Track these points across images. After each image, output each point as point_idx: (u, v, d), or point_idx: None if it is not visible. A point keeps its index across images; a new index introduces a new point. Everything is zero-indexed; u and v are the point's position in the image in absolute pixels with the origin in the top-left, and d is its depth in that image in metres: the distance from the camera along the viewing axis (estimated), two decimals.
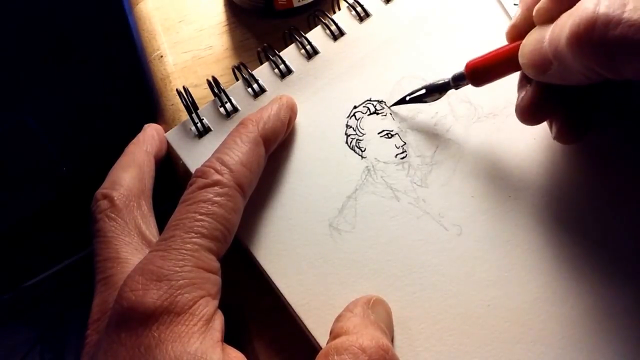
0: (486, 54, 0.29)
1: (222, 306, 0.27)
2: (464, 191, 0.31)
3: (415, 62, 0.35)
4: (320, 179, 0.33)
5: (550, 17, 0.24)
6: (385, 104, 0.34)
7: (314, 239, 0.31)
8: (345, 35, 0.37)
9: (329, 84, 0.36)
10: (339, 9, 0.39)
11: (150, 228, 0.31)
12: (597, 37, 0.21)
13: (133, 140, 0.35)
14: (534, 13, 0.25)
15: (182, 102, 0.35)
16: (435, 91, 0.32)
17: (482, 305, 0.28)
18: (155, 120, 0.38)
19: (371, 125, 0.34)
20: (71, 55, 0.88)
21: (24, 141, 0.95)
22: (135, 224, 0.31)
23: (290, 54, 0.37)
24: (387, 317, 0.28)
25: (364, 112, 0.34)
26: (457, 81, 0.31)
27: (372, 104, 0.34)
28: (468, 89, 0.33)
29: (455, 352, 0.28)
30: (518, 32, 0.28)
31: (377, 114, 0.34)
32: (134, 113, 0.52)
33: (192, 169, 0.33)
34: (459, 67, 0.31)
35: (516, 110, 0.29)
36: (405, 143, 0.33)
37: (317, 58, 0.36)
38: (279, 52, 0.36)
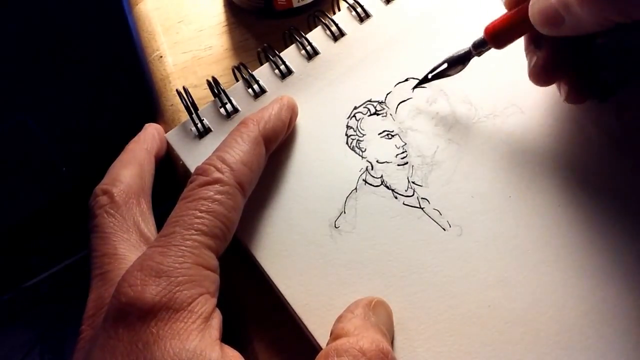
0: (502, 16, 0.29)
1: (221, 306, 0.27)
2: (465, 191, 0.31)
3: (415, 63, 0.35)
4: (320, 180, 0.33)
5: None
6: (386, 105, 0.34)
7: (314, 239, 0.31)
8: (345, 36, 0.37)
9: (330, 84, 0.36)
10: (339, 10, 0.39)
11: (149, 226, 0.31)
12: None
13: (133, 139, 0.35)
14: None
15: (182, 102, 0.35)
16: (457, 63, 0.32)
17: (483, 305, 0.28)
18: (155, 121, 0.38)
19: (371, 125, 0.34)
20: (71, 55, 0.88)
21: (24, 141, 0.95)
22: (134, 221, 0.31)
23: (291, 55, 0.37)
24: (388, 319, 0.28)
25: (365, 112, 0.34)
26: (479, 47, 0.31)
27: (373, 105, 0.34)
28: (469, 88, 0.33)
29: (456, 352, 0.28)
30: None
31: (378, 114, 0.34)
32: (134, 113, 0.52)
33: (192, 170, 0.33)
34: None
35: (529, 74, 0.30)
36: (405, 143, 0.33)
37: (317, 59, 0.36)
38: (279, 52, 0.36)
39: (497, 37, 0.30)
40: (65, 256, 1.10)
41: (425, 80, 0.33)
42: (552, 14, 0.25)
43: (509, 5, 0.29)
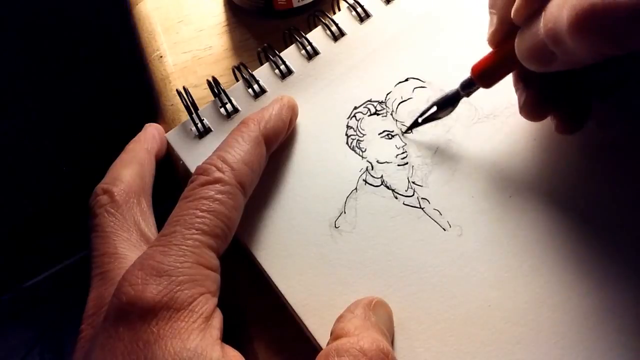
0: (488, 55, 0.29)
1: (222, 306, 0.27)
2: (465, 191, 0.31)
3: (416, 63, 0.35)
4: (320, 180, 0.33)
5: (528, 15, 0.24)
6: (386, 105, 0.34)
7: (315, 239, 0.31)
8: (345, 36, 0.37)
9: (330, 84, 0.36)
10: (339, 10, 0.39)
11: (149, 226, 0.31)
12: (600, 20, 0.20)
13: (134, 139, 0.35)
14: (512, 14, 0.25)
15: (183, 102, 0.35)
16: (447, 105, 0.32)
17: (483, 305, 0.28)
18: (155, 121, 0.38)
19: (372, 125, 0.34)
20: (71, 55, 0.88)
21: (24, 141, 0.95)
22: (134, 221, 0.31)
23: (291, 55, 0.37)
24: (388, 319, 0.28)
25: (365, 112, 0.34)
26: (467, 88, 0.30)
27: (373, 105, 0.34)
28: None
29: (456, 352, 0.28)
30: (501, 35, 0.28)
31: (378, 114, 0.34)
32: (134, 113, 0.52)
33: (193, 170, 0.33)
34: (460, 67, 0.31)
35: (520, 112, 0.29)
36: (405, 144, 0.33)
37: (317, 59, 0.36)
38: (279, 52, 0.36)
39: (484, 76, 0.29)
40: (65, 256, 1.10)
41: (415, 124, 0.33)
42: (541, 50, 0.24)
43: (494, 44, 0.29)
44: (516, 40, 0.26)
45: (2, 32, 0.80)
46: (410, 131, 0.33)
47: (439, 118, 0.32)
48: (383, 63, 0.36)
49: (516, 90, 0.30)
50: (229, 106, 0.35)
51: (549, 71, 0.25)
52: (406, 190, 0.32)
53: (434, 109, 0.32)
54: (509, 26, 0.26)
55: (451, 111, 0.32)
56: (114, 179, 0.32)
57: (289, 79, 0.36)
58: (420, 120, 0.33)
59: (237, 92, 0.36)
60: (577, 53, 0.22)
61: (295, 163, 0.33)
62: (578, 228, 0.29)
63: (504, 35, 0.27)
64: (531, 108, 0.29)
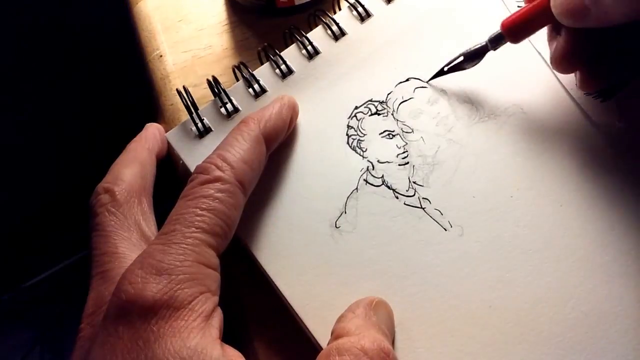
0: (519, 10, 0.30)
1: (222, 306, 0.27)
2: (466, 191, 0.31)
3: (416, 63, 0.35)
4: (321, 179, 0.33)
5: None
6: (387, 104, 0.34)
7: (315, 239, 0.31)
8: (346, 36, 0.37)
9: (330, 84, 0.35)
10: (340, 9, 0.39)
11: (149, 225, 0.31)
12: None
13: (135, 138, 0.35)
14: None
15: (183, 102, 0.35)
16: (473, 57, 0.33)
17: (484, 306, 0.28)
18: (155, 120, 0.38)
19: (372, 125, 0.34)
20: (70, 54, 0.88)
21: (24, 141, 0.95)
22: (135, 220, 0.31)
23: (291, 54, 0.37)
24: (388, 319, 0.28)
25: (365, 112, 0.34)
26: (495, 42, 0.31)
27: (374, 105, 0.34)
28: (470, 88, 0.33)
29: (457, 353, 0.27)
30: None
31: (379, 114, 0.34)
32: (134, 113, 0.52)
33: (193, 169, 0.33)
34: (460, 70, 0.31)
35: (551, 61, 0.30)
36: (406, 143, 0.33)
37: (318, 58, 0.36)
38: (280, 52, 0.36)
39: (513, 31, 0.30)
40: (65, 256, 1.10)
41: (441, 73, 0.34)
42: (577, 5, 0.25)
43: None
44: None
45: (2, 32, 0.80)
46: (437, 77, 0.34)
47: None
48: (384, 63, 0.36)
49: (549, 43, 0.30)
50: (229, 106, 0.35)
51: (581, 26, 0.26)
52: (407, 190, 0.32)
53: (461, 58, 0.33)
54: None
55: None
56: (115, 179, 0.32)
57: (290, 78, 0.36)
58: (445, 69, 0.33)
59: (237, 92, 0.36)
60: (612, 10, 0.24)
61: (295, 163, 0.33)
62: (579, 227, 0.29)
63: None
64: (561, 60, 0.29)
